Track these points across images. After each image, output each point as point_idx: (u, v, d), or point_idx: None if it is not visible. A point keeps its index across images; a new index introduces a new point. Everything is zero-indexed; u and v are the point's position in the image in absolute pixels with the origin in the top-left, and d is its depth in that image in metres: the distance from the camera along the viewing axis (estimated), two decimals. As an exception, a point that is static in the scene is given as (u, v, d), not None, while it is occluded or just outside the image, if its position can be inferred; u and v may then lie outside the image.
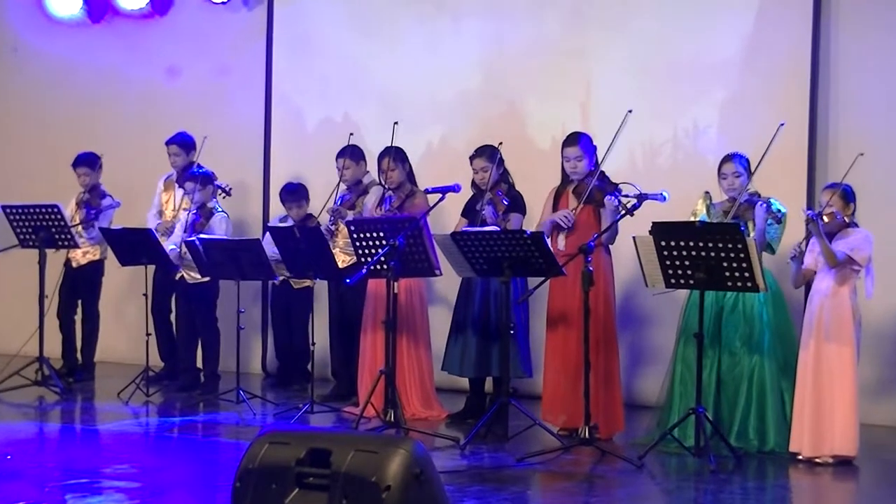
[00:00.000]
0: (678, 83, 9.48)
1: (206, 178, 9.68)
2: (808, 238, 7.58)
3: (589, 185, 8.03)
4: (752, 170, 7.87)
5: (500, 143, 8.57)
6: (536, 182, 8.82)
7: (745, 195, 7.84)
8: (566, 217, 8.08)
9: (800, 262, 7.57)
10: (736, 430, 7.77)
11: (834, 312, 7.48)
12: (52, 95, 12.04)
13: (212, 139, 9.98)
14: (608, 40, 9.78)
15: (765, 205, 7.67)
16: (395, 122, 8.84)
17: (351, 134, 9.52)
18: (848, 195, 7.53)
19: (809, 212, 7.45)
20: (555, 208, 8.28)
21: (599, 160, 8.18)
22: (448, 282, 9.03)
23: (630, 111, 7.93)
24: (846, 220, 7.48)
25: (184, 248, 9.44)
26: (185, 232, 9.58)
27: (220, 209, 9.74)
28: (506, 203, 8.52)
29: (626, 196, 7.77)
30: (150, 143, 10.77)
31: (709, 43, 9.43)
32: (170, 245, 9.64)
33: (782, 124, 7.71)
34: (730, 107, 9.33)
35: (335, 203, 9.35)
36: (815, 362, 7.49)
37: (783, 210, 7.69)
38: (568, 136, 8.32)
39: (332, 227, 9.40)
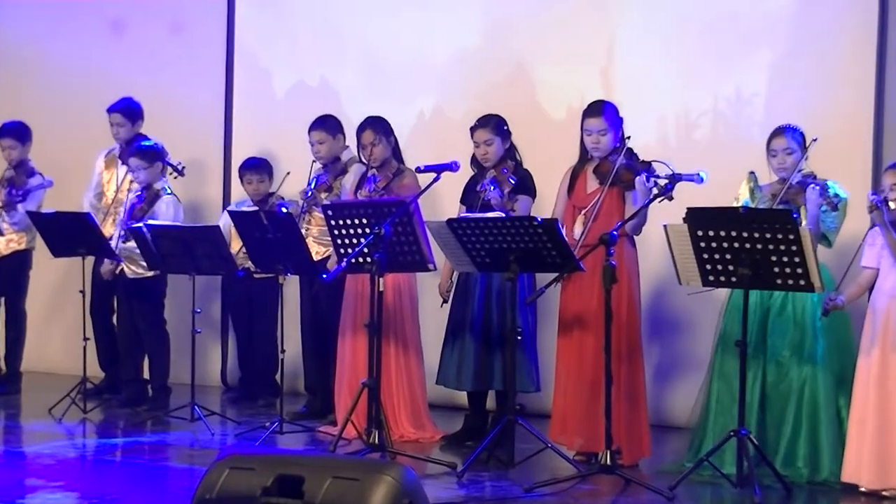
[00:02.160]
0: (718, 43, 9.48)
1: (155, 154, 9.66)
2: (869, 229, 7.57)
3: (614, 163, 8.00)
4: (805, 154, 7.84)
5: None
6: (549, 160, 8.82)
7: (797, 176, 7.82)
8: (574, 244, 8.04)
9: (832, 309, 7.51)
10: (782, 455, 7.74)
11: (903, 316, 7.46)
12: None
13: (163, 108, 9.99)
14: (635, -9, 9.79)
15: (818, 187, 7.65)
16: (287, 173, 9.15)
17: None
18: (916, 175, 7.52)
19: (874, 197, 7.41)
20: (571, 190, 8.26)
21: (625, 135, 8.16)
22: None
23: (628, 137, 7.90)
24: (916, 205, 7.46)
25: (121, 236, 9.43)
26: (124, 217, 9.56)
27: (168, 191, 9.71)
28: (513, 182, 8.50)
29: (658, 177, 7.74)
30: (88, 113, 10.74)
31: (755, -7, 9.43)
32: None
33: (815, 140, 7.70)
34: (780, 71, 9.32)
35: (308, 186, 9.32)
36: (880, 374, 7.45)
37: (842, 195, 7.66)
38: (589, 106, 8.30)
39: (304, 215, 9.38)
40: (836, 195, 7.63)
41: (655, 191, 7.67)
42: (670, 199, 7.54)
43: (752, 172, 8.05)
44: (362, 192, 8.96)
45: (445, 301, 8.83)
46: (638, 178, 7.88)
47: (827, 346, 7.82)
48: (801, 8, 9.28)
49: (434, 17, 10.35)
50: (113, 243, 9.56)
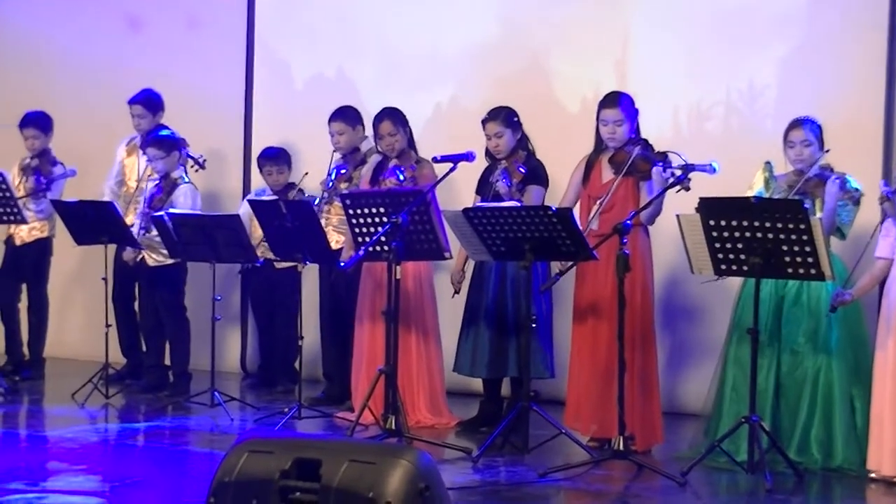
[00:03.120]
0: (731, 35, 9.45)
1: (172, 143, 9.68)
2: (881, 221, 7.55)
3: (630, 153, 7.98)
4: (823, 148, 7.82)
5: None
6: (563, 151, 8.80)
7: (815, 168, 7.78)
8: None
9: (850, 298, 7.49)
10: (797, 442, 7.73)
11: (918, 305, 7.43)
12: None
13: (184, 101, 10.04)
14: (650, -16, 9.77)
15: (839, 180, 7.63)
16: (306, 173, 9.19)
17: None
18: (927, 166, 7.50)
19: (886, 188, 7.39)
20: (586, 180, 8.25)
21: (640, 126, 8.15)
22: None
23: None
24: (927, 197, 7.44)
25: (143, 224, 9.45)
26: (143, 206, 9.57)
27: (186, 179, 9.72)
28: (522, 172, 8.49)
29: (672, 167, 7.73)
30: (110, 105, 10.73)
31: (769, -14, 9.40)
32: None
33: (827, 150, 7.69)
34: (792, 63, 9.29)
35: (328, 177, 9.33)
36: (896, 364, 7.45)
37: (860, 189, 7.64)
38: (606, 96, 8.28)
39: (325, 206, 9.38)
40: (857, 189, 7.61)
41: (671, 180, 7.67)
42: (687, 189, 7.53)
43: (767, 162, 8.01)
44: (389, 181, 8.94)
45: (457, 292, 8.82)
46: (655, 167, 7.86)
47: (841, 336, 7.79)
48: (813, 2, 9.26)
49: (450, 9, 10.34)
50: (134, 231, 9.58)
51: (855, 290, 7.52)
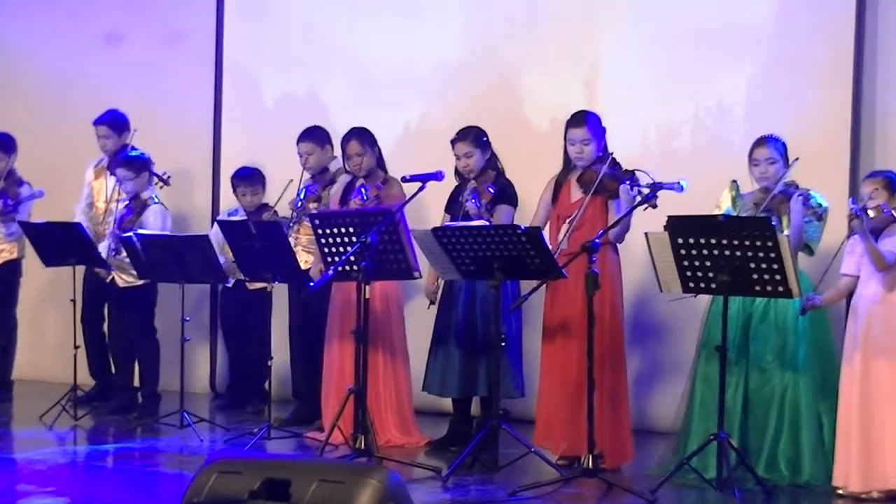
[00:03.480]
0: (700, 55, 9.50)
1: (141, 164, 9.66)
2: (847, 237, 7.59)
3: (598, 172, 8.01)
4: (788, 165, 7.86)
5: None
6: (533, 169, 8.82)
7: (780, 185, 7.83)
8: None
9: (811, 308, 7.55)
10: (765, 459, 7.76)
11: (884, 322, 7.46)
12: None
13: (152, 118, 10.01)
14: (617, 4, 9.79)
15: (801, 197, 7.68)
16: (291, 180, 9.11)
17: None
18: (894, 184, 7.53)
19: (854, 206, 7.42)
20: (555, 199, 8.28)
21: (608, 145, 8.18)
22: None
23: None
24: (894, 213, 7.47)
25: (111, 246, 9.44)
26: (113, 227, 9.56)
27: (156, 200, 9.71)
28: (492, 192, 8.52)
29: (640, 185, 7.76)
30: (79, 123, 10.69)
31: (735, 7, 9.44)
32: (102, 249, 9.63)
33: (796, 159, 7.73)
34: (760, 82, 9.34)
35: (297, 197, 9.33)
36: (863, 380, 7.47)
37: (824, 205, 7.68)
38: (573, 116, 8.31)
39: (295, 226, 9.39)
40: (820, 205, 7.65)
41: (639, 199, 7.70)
42: (654, 206, 7.57)
43: (734, 181, 8.06)
44: (354, 202, 8.96)
45: (433, 302, 8.83)
46: (622, 186, 7.89)
47: (808, 352, 7.83)
48: (781, 22, 9.32)
49: (420, 29, 10.35)
50: (103, 253, 9.56)
51: (822, 300, 7.57)
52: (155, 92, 11.03)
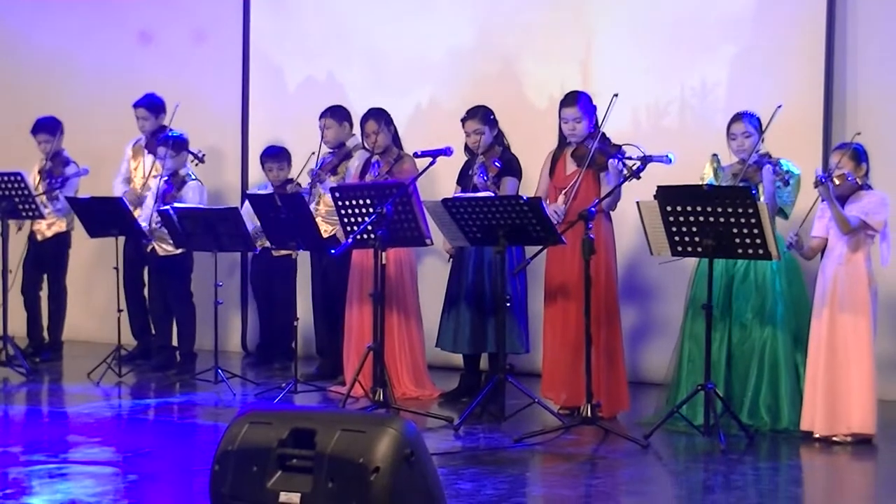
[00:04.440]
0: (685, 38, 9.46)
1: (179, 144, 9.66)
2: (815, 203, 7.57)
3: (590, 147, 7.99)
4: (765, 129, 7.83)
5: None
6: (534, 145, 8.80)
7: (755, 156, 7.82)
8: (555, 213, 8.02)
9: (799, 248, 7.54)
10: (748, 407, 7.77)
11: (848, 281, 7.47)
12: (13, 59, 11.99)
13: (185, 102, 9.95)
14: (610, -7, 9.75)
15: (771, 166, 7.67)
16: (312, 153, 9.00)
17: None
18: (860, 155, 7.51)
19: (820, 175, 7.41)
20: (552, 172, 8.27)
21: (600, 121, 8.14)
22: (441, 254, 9.02)
23: (616, 95, 7.82)
24: (858, 181, 7.46)
25: (155, 218, 9.44)
26: (155, 202, 9.56)
27: (193, 177, 9.72)
28: (498, 166, 8.49)
29: (630, 158, 7.75)
30: (120, 109, 10.65)
31: (718, -6, 9.39)
32: (142, 220, 9.61)
33: (779, 106, 7.66)
34: (740, 63, 9.30)
35: (315, 165, 9.32)
36: (829, 334, 7.48)
37: (794, 171, 7.68)
38: (566, 96, 8.29)
39: (312, 190, 9.36)
40: (788, 171, 7.65)
41: (626, 172, 7.69)
42: (638, 178, 7.57)
43: (714, 154, 8.06)
44: (368, 177, 8.95)
45: (452, 256, 8.77)
46: (611, 161, 7.89)
47: (786, 310, 7.83)
48: (758, 8, 9.27)
49: (431, 19, 10.30)
50: (144, 225, 9.56)
51: (808, 247, 7.57)
52: (189, 79, 11.00)
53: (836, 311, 7.48)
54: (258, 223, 9.25)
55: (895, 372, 8.61)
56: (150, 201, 9.72)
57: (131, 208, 9.66)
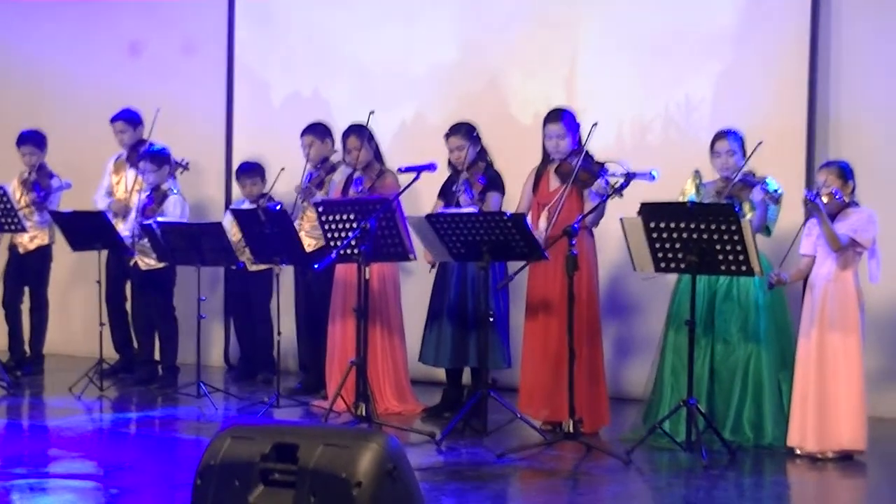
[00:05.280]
0: (669, 55, 9.48)
1: (161, 158, 9.66)
2: (801, 226, 7.59)
3: (574, 165, 7.99)
4: (747, 156, 7.84)
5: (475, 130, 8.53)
6: (518, 161, 8.80)
7: (739, 174, 7.83)
8: (541, 233, 8.02)
9: (780, 284, 7.54)
10: (730, 423, 7.78)
11: (837, 298, 7.48)
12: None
13: (169, 116, 9.95)
14: (594, 10, 9.77)
15: (761, 187, 7.68)
16: (371, 112, 8.80)
17: (371, 112, 9.32)
18: (846, 172, 7.54)
19: (808, 193, 7.43)
20: (535, 188, 8.28)
21: (583, 138, 8.16)
22: (424, 269, 9.01)
23: (595, 124, 7.82)
24: (846, 199, 7.48)
25: (136, 231, 9.42)
26: (137, 215, 9.55)
27: (174, 191, 9.71)
28: (482, 183, 8.50)
29: (613, 175, 7.76)
30: (104, 122, 10.63)
31: (702, 12, 9.42)
32: (125, 231, 9.61)
33: (760, 143, 7.67)
34: (724, 80, 9.33)
35: (303, 182, 9.34)
36: (819, 352, 7.49)
37: (780, 191, 7.69)
38: (549, 113, 8.30)
39: (303, 205, 9.37)
40: (776, 190, 7.67)
41: (609, 191, 7.71)
42: (621, 196, 7.57)
43: (696, 171, 8.07)
44: (351, 192, 8.95)
45: (433, 266, 8.73)
46: (598, 180, 7.90)
47: (768, 326, 7.85)
48: (744, 25, 9.30)
49: (415, 34, 10.32)
50: (127, 235, 9.55)
51: (788, 277, 7.57)
52: (173, 93, 10.98)
53: (825, 328, 7.49)
54: (235, 238, 9.26)
55: (882, 388, 8.63)
56: (134, 214, 9.71)
57: (116, 220, 9.66)
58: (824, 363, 7.49)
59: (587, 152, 8.08)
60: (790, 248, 7.54)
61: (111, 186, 10.29)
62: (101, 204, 10.16)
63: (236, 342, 10.80)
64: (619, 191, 7.61)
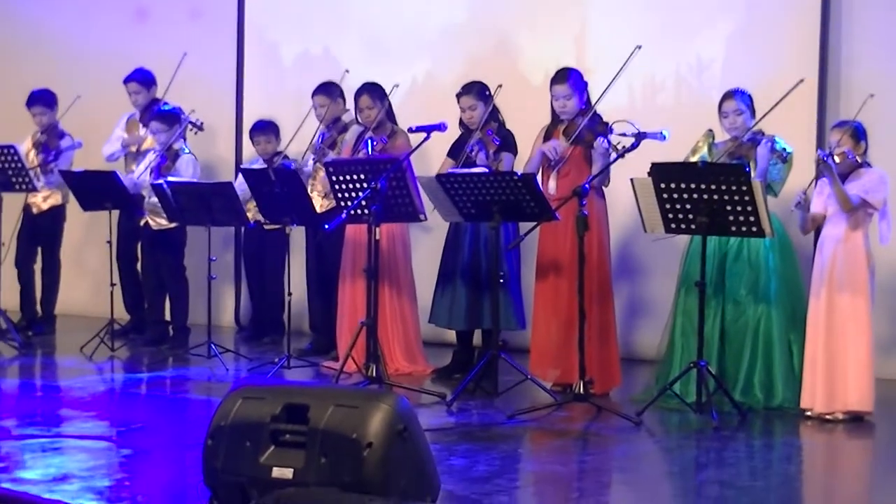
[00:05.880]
0: (681, 15, 9.44)
1: (173, 118, 9.65)
2: (814, 181, 7.56)
3: (579, 125, 7.97)
4: (758, 117, 7.80)
5: (500, 86, 8.45)
6: (528, 121, 8.75)
7: (748, 134, 7.81)
8: (555, 149, 8.03)
9: (805, 209, 7.54)
10: (741, 384, 7.77)
11: (847, 259, 7.46)
12: (7, 33, 11.96)
13: (181, 78, 9.93)
14: (605, -31, 9.73)
15: (769, 143, 7.66)
16: (396, 85, 8.85)
17: (346, 71, 9.44)
18: (859, 133, 7.50)
19: (821, 153, 7.41)
20: (544, 148, 8.25)
21: (592, 98, 8.12)
22: (436, 229, 9.01)
23: (639, 47, 7.82)
24: (858, 159, 7.45)
25: (147, 191, 9.43)
26: (150, 175, 9.54)
27: (186, 150, 9.70)
28: (497, 143, 8.47)
29: (623, 135, 7.73)
30: (115, 83, 10.61)
31: (714, -29, 9.37)
32: (136, 175, 9.62)
33: (801, 80, 7.66)
34: (736, 40, 9.29)
35: (316, 142, 9.32)
36: (828, 313, 7.48)
37: (788, 149, 7.68)
38: (556, 73, 8.26)
39: (316, 165, 9.36)
40: (784, 149, 7.65)
41: (612, 152, 7.68)
42: (623, 157, 7.57)
43: (709, 130, 8.03)
44: (361, 152, 8.92)
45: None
46: (597, 141, 7.88)
47: (779, 287, 7.83)
48: (754, -17, 9.27)
49: (426, -8, 10.31)
50: (136, 179, 9.55)
51: (811, 212, 7.57)
52: (181, 52, 10.92)
53: (834, 289, 7.47)
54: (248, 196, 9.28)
55: (891, 350, 8.63)
56: (142, 167, 9.69)
57: (129, 162, 9.64)
58: (833, 324, 7.48)
59: (595, 112, 8.05)
60: (807, 188, 7.51)
61: (121, 139, 10.27)
62: (108, 150, 10.14)
63: (247, 303, 10.81)
64: (623, 153, 7.59)
